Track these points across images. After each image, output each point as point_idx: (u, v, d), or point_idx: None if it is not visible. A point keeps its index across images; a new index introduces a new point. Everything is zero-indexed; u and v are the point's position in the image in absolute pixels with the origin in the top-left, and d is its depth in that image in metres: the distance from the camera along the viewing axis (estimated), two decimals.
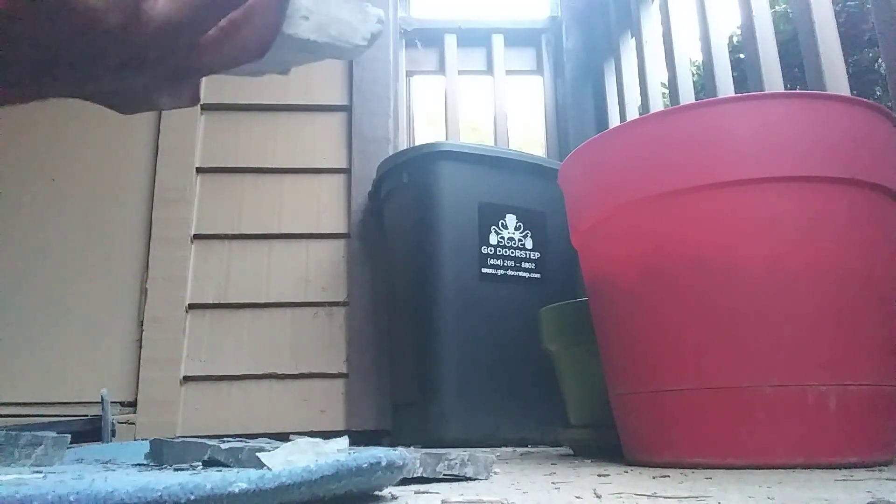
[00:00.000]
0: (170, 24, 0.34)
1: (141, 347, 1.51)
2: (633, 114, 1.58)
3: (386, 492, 0.45)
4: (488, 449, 1.15)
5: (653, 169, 0.76)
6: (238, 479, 0.33)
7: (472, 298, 1.35)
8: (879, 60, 3.18)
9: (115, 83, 0.37)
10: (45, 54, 0.33)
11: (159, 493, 0.30)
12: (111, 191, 1.62)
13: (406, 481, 0.52)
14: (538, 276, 1.43)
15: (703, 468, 0.67)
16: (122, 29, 0.33)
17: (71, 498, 0.29)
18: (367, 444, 1.02)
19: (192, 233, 1.59)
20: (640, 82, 1.55)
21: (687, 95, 1.36)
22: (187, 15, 0.35)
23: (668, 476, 0.60)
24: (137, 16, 0.33)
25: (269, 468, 0.41)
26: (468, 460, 0.56)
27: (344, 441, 0.47)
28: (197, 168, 1.64)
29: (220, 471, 0.45)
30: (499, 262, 1.39)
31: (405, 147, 1.88)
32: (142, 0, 0.33)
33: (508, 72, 1.99)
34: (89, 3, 0.32)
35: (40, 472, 0.48)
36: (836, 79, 0.99)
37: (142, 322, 1.53)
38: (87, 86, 0.37)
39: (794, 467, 0.64)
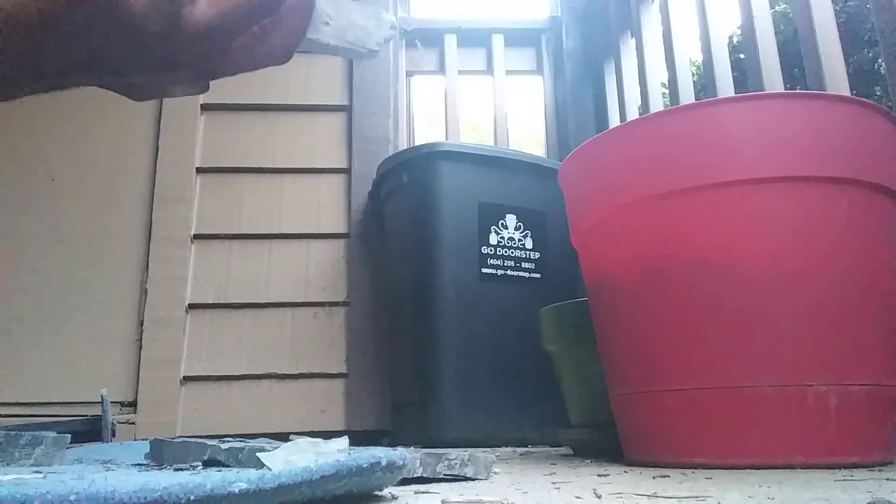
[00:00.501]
0: (207, 29, 0.35)
1: (141, 348, 1.51)
2: (633, 114, 1.58)
3: (386, 492, 0.45)
4: (488, 449, 1.15)
5: (653, 169, 0.76)
6: (238, 479, 0.33)
7: (472, 298, 1.35)
8: (879, 60, 3.18)
9: (143, 80, 0.38)
10: (82, 55, 0.34)
11: (159, 493, 0.30)
12: (111, 191, 1.62)
13: (406, 481, 0.52)
14: (538, 276, 1.43)
15: (703, 468, 0.67)
16: (161, 34, 0.34)
17: (71, 498, 0.29)
18: (367, 444, 1.02)
19: (192, 233, 1.60)
20: (640, 82, 1.55)
21: (687, 95, 1.36)
22: (224, 22, 0.35)
23: (668, 476, 0.60)
24: (177, 22, 0.34)
25: (269, 468, 0.41)
26: (468, 460, 0.56)
27: (344, 441, 0.47)
28: (197, 168, 1.64)
29: (220, 471, 0.45)
30: (499, 262, 1.39)
31: (405, 147, 1.88)
32: (182, 7, 0.33)
33: (508, 72, 1.99)
34: (132, 9, 0.32)
35: (40, 472, 0.48)
36: (836, 79, 0.99)
37: (142, 322, 1.53)
38: (116, 81, 0.38)
39: (793, 467, 0.64)
